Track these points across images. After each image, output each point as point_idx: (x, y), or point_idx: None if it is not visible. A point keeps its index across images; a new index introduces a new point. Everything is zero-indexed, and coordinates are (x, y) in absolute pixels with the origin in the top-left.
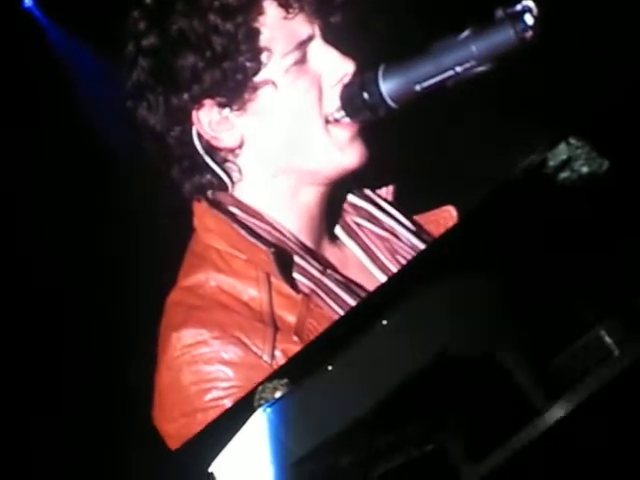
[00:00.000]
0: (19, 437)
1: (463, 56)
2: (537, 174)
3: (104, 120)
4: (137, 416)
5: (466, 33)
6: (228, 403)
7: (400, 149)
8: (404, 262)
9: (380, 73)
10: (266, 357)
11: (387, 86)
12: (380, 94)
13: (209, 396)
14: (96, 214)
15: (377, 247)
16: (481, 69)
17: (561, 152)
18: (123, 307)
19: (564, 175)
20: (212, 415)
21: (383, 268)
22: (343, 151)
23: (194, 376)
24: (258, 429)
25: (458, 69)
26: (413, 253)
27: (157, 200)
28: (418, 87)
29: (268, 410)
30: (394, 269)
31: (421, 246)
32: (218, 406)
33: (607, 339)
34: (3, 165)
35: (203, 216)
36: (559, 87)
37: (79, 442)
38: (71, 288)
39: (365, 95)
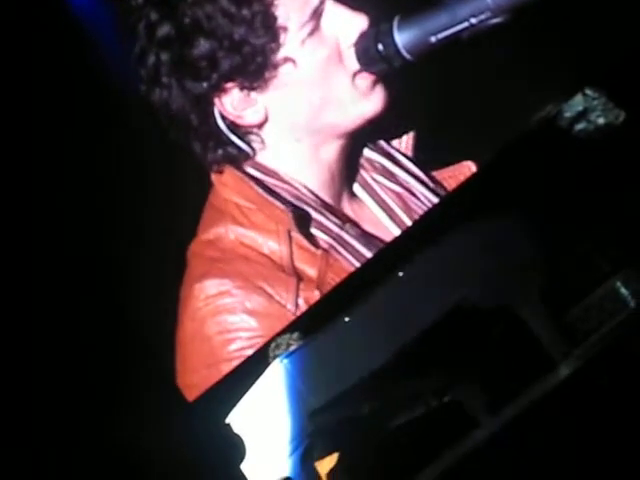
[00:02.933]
0: (30, 388)
1: (478, 7)
2: (553, 125)
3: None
4: (155, 366)
5: None
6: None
7: (418, 102)
8: (417, 217)
9: (395, 25)
10: (290, 306)
11: (402, 38)
12: (395, 46)
13: (233, 346)
14: (111, 165)
15: (393, 202)
16: (496, 21)
17: (577, 103)
18: (137, 263)
19: (580, 126)
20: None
21: (399, 223)
22: (365, 99)
23: (218, 326)
24: (275, 380)
25: (473, 20)
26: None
27: (174, 155)
28: (433, 39)
29: (285, 361)
30: (408, 224)
31: (437, 201)
32: (242, 356)
33: (623, 290)
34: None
35: (221, 172)
36: (575, 39)
37: (94, 393)
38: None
39: (380, 47)
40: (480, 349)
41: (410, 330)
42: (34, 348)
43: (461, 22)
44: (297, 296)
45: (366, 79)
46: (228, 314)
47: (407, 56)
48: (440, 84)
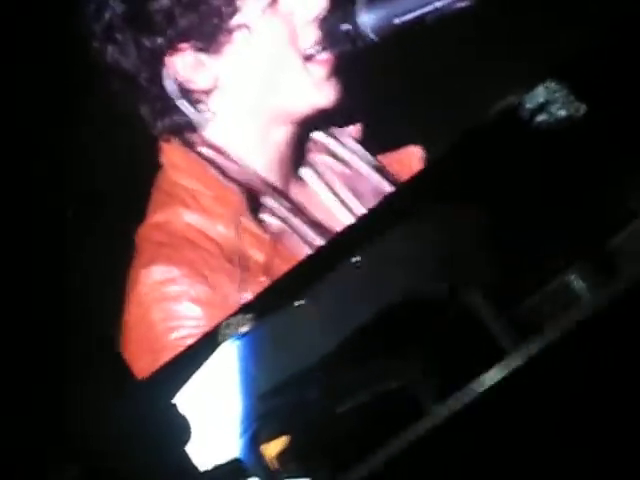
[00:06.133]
0: None
1: None
2: (513, 116)
3: None
4: (104, 346)
5: None
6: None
7: (371, 86)
8: (366, 200)
9: (361, 5)
10: (235, 297)
11: (367, 18)
12: (360, 26)
13: (177, 334)
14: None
15: (341, 184)
16: (460, 4)
17: (538, 95)
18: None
19: (541, 118)
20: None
21: (346, 205)
22: (320, 89)
23: (163, 313)
24: (225, 362)
25: (438, 4)
26: (376, 191)
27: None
28: (398, 20)
29: (236, 343)
30: (357, 207)
31: (384, 184)
32: (185, 344)
33: (576, 283)
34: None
35: (172, 154)
36: (537, 29)
37: (44, 372)
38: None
39: (345, 26)
40: (430, 338)
41: (360, 317)
42: None
43: (426, 5)
44: (242, 287)
45: (320, 68)
46: (173, 302)
47: (372, 36)
48: (398, 70)
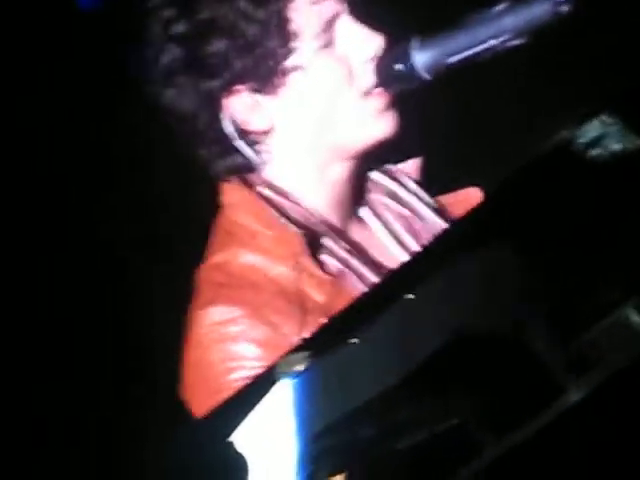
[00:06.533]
0: (35, 407)
1: (497, 29)
2: (567, 151)
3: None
4: (159, 384)
5: (501, 6)
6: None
7: (428, 125)
8: (425, 242)
9: (414, 44)
10: (295, 338)
11: (421, 57)
12: (413, 65)
13: (236, 375)
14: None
15: (400, 226)
16: (515, 42)
17: (593, 129)
18: (145, 281)
19: (595, 152)
20: None
21: (406, 247)
22: (377, 120)
23: (222, 354)
24: (280, 400)
25: (492, 42)
26: (435, 233)
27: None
28: (452, 59)
29: (291, 381)
30: (415, 248)
31: (443, 226)
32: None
33: (634, 317)
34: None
35: (231, 193)
36: (592, 63)
37: (101, 407)
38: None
39: (399, 66)
40: (487, 375)
41: (417, 354)
42: (45, 363)
43: (480, 43)
44: (303, 328)
45: (377, 101)
46: (232, 342)
47: (425, 76)
48: (451, 107)
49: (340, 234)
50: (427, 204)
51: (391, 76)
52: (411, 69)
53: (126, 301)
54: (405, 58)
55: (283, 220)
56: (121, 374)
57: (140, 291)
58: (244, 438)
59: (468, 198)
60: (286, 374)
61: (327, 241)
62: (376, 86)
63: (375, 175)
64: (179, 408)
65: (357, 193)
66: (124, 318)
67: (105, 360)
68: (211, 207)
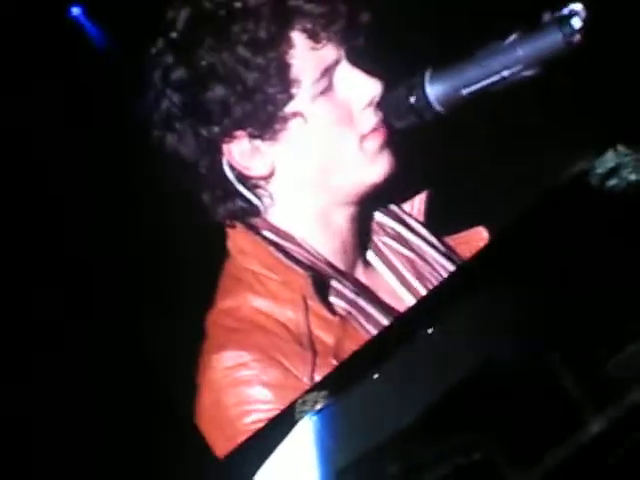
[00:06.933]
0: (59, 444)
1: (510, 60)
2: (583, 182)
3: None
4: (180, 425)
5: (513, 37)
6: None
7: (430, 163)
8: (432, 284)
9: (427, 77)
10: (306, 379)
11: (434, 90)
12: (427, 98)
13: (250, 418)
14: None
15: (405, 269)
16: (527, 73)
17: (608, 160)
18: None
19: (612, 183)
20: None
21: (411, 290)
22: (373, 163)
23: (235, 398)
24: (302, 438)
25: (505, 73)
26: (442, 275)
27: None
28: (465, 91)
29: (312, 419)
30: (422, 291)
31: (450, 267)
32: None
33: None
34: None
35: (237, 238)
36: (606, 93)
37: (121, 449)
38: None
39: (412, 99)
40: (510, 407)
41: (437, 387)
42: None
43: (493, 75)
44: (313, 370)
45: (373, 142)
46: (245, 386)
47: (439, 109)
48: (458, 142)
49: (347, 276)
50: (433, 245)
51: (405, 110)
52: (424, 102)
53: (139, 347)
54: (419, 91)
55: (289, 263)
56: (142, 416)
57: (153, 336)
58: (267, 478)
59: (474, 238)
60: (306, 412)
61: (334, 283)
62: (382, 122)
63: (380, 217)
64: (203, 450)
65: (361, 237)
66: (137, 362)
67: (123, 402)
68: (219, 252)
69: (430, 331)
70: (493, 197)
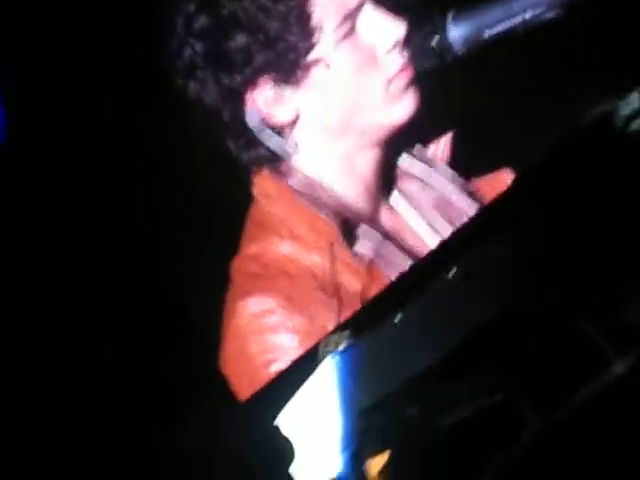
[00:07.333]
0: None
1: (532, 2)
2: (607, 123)
3: None
4: (204, 365)
5: None
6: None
7: (457, 104)
8: (458, 225)
9: (449, 19)
10: (331, 327)
11: (456, 32)
12: (448, 40)
13: (275, 366)
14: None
15: (431, 211)
16: (550, 15)
17: (633, 101)
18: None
19: (636, 124)
20: None
21: (438, 233)
22: (398, 103)
23: (260, 346)
24: (324, 379)
25: (527, 15)
26: (467, 217)
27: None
28: (487, 33)
29: (335, 360)
30: (448, 234)
31: (476, 208)
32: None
33: None
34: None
35: (263, 184)
36: (631, 34)
37: (144, 393)
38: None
39: (433, 41)
40: (533, 348)
41: (461, 329)
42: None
43: (515, 16)
44: (339, 317)
45: (398, 83)
46: (271, 333)
47: (460, 51)
48: (485, 85)
49: (372, 222)
50: (459, 187)
51: (425, 52)
52: (446, 44)
53: (164, 291)
54: (440, 33)
55: (315, 209)
56: (164, 359)
57: (176, 280)
58: (289, 419)
59: (500, 180)
60: (329, 353)
61: (360, 228)
62: (408, 63)
63: (405, 160)
64: (224, 392)
65: (387, 181)
66: (171, 303)
67: (147, 345)
68: (244, 198)
69: (451, 274)
70: (518, 139)
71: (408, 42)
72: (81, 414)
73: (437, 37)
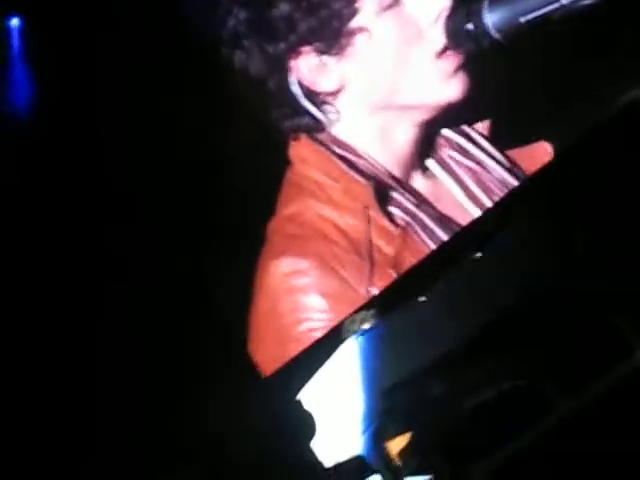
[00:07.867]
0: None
1: None
2: (636, 109)
3: None
4: (228, 342)
5: None
6: (321, 335)
7: (498, 83)
8: (495, 196)
9: (486, 3)
10: (362, 290)
11: (492, 17)
12: (485, 25)
13: (303, 326)
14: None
15: (468, 179)
16: (587, 1)
17: None
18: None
19: None
20: (305, 346)
21: (475, 201)
22: (448, 82)
23: (290, 305)
24: (348, 358)
25: (564, 1)
26: (504, 187)
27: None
28: (523, 19)
29: (359, 339)
30: (486, 202)
31: (512, 181)
32: (311, 337)
33: None
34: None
35: (300, 148)
36: None
37: (167, 365)
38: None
39: (470, 26)
40: (556, 334)
41: (486, 311)
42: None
43: (552, 2)
44: (370, 281)
45: (448, 63)
46: (301, 294)
47: (497, 36)
48: (524, 67)
49: (408, 188)
50: (496, 159)
51: (461, 36)
52: (482, 28)
53: (197, 254)
54: (476, 17)
55: (352, 173)
56: (190, 330)
57: (210, 243)
58: (312, 395)
59: (538, 153)
60: (354, 332)
61: (395, 194)
62: (447, 46)
63: (445, 131)
64: (249, 366)
65: (424, 149)
66: (195, 271)
67: (175, 316)
68: (281, 162)
69: (479, 255)
70: (557, 116)
71: (445, 27)
72: (102, 395)
73: (474, 22)
